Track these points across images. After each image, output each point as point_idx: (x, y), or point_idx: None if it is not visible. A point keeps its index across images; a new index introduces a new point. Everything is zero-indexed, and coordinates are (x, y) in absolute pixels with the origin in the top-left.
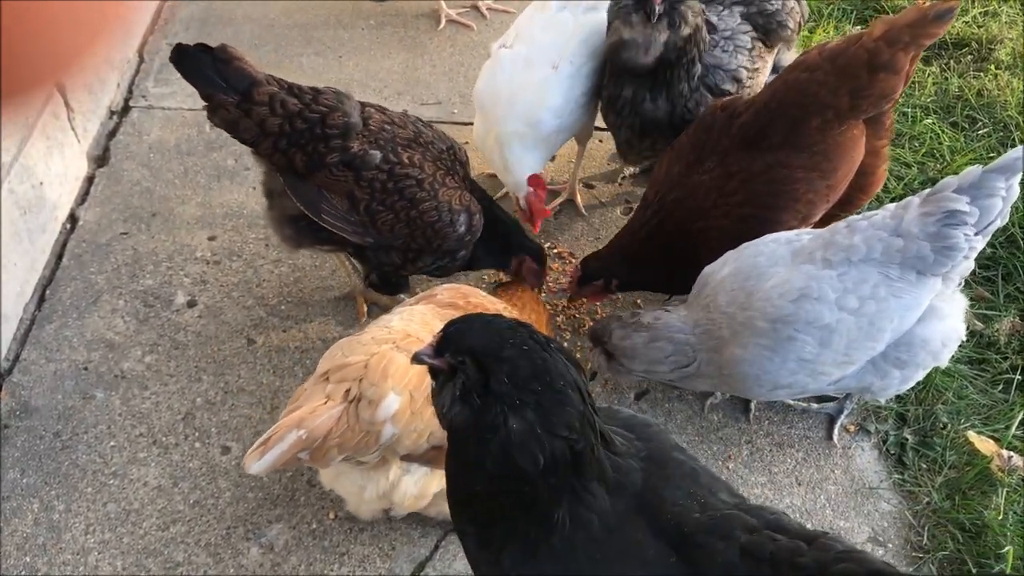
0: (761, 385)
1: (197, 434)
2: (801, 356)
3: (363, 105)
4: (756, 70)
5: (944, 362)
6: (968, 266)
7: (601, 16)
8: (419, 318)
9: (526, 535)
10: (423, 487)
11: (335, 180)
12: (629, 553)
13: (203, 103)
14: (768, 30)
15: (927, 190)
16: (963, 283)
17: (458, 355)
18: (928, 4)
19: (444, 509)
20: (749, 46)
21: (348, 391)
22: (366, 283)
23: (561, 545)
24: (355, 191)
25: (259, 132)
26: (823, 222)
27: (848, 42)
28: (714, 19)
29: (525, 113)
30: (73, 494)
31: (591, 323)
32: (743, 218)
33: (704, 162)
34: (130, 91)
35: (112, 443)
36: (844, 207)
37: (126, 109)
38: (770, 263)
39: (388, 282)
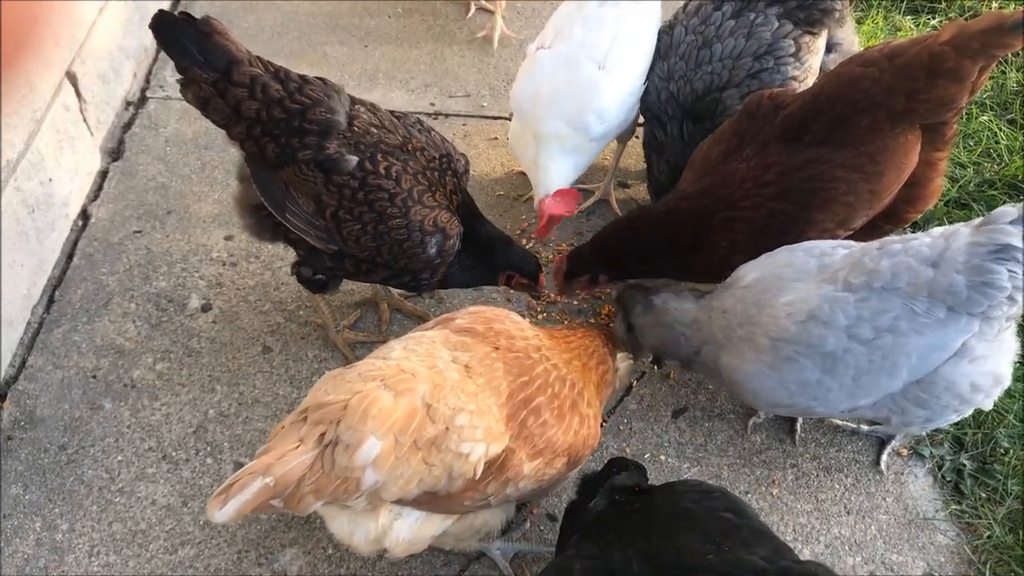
0: (759, 400)
1: (209, 449)
2: (801, 379)
3: (354, 102)
4: (808, 67)
5: (982, 405)
6: (1017, 310)
7: (646, 10)
8: (425, 348)
9: None
10: (417, 533)
11: (303, 179)
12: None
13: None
14: (812, 20)
15: (978, 219)
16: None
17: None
18: (1007, 12)
19: (461, 544)
20: (793, 50)
21: (323, 435)
22: (293, 270)
23: None
24: (323, 195)
25: (233, 115)
26: (869, 235)
27: (913, 42)
28: (742, 43)
29: (568, 114)
30: (77, 512)
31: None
32: (773, 212)
33: (743, 150)
34: (147, 81)
35: (120, 457)
36: (889, 219)
37: (143, 100)
38: (795, 276)
39: (319, 283)
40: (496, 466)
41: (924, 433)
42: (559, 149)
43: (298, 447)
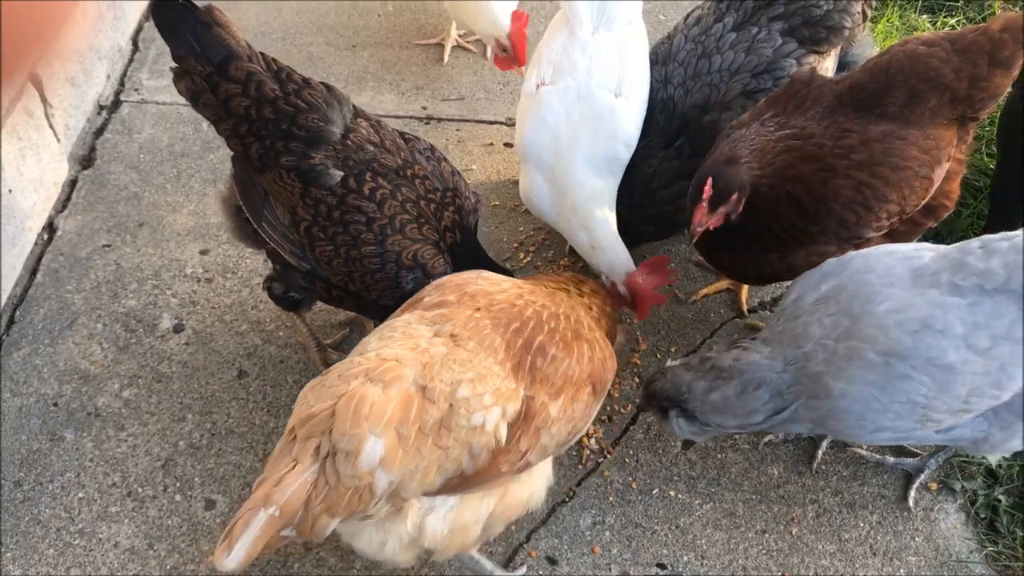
0: (863, 427)
1: (178, 484)
2: (912, 398)
3: (357, 115)
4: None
5: None
6: None
7: (639, 31)
8: (401, 332)
9: None
10: (456, 521)
11: (282, 186)
12: None
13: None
14: (818, 39)
15: None
16: None
17: None
18: None
19: (510, 522)
20: (794, 70)
21: (318, 448)
22: (264, 284)
23: None
24: (298, 207)
25: (223, 111)
26: (909, 232)
27: (965, 30)
28: (741, 56)
29: (595, 155)
30: (32, 556)
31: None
32: (860, 185)
33: (807, 112)
34: (122, 83)
35: (80, 494)
36: (928, 214)
37: (116, 104)
38: (884, 282)
39: (291, 300)
40: (521, 420)
41: (993, 461)
42: (605, 211)
43: (294, 467)
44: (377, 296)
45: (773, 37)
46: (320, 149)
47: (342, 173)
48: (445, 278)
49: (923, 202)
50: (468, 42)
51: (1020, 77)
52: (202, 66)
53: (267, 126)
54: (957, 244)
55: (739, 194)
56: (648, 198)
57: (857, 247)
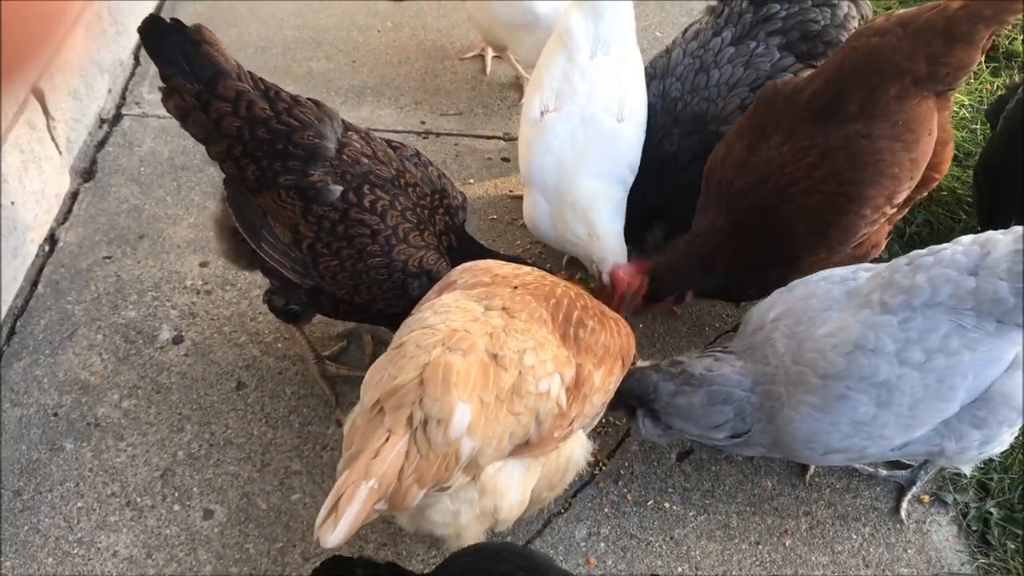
0: (812, 449)
1: (177, 494)
2: (855, 418)
3: (347, 129)
4: None
5: None
6: None
7: (635, 55)
8: (455, 307)
9: None
10: (523, 487)
11: (282, 206)
12: None
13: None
14: (815, 54)
15: (1018, 227)
16: None
17: None
18: None
19: (555, 492)
20: None
21: (410, 417)
22: (264, 297)
23: None
24: (300, 225)
25: (214, 131)
26: (902, 207)
27: (921, 9)
28: (740, 71)
29: (602, 172)
30: (31, 565)
31: None
32: (829, 197)
33: (769, 139)
34: (123, 97)
35: (80, 504)
36: (920, 188)
37: (118, 117)
38: (823, 306)
39: (291, 312)
40: (573, 386)
41: (966, 470)
42: (607, 209)
43: (388, 439)
44: (385, 305)
45: (771, 51)
46: (318, 166)
47: (341, 188)
48: (469, 264)
49: (915, 182)
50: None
51: None
52: (191, 84)
53: (262, 147)
54: (889, 263)
55: (675, 298)
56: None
57: (860, 244)
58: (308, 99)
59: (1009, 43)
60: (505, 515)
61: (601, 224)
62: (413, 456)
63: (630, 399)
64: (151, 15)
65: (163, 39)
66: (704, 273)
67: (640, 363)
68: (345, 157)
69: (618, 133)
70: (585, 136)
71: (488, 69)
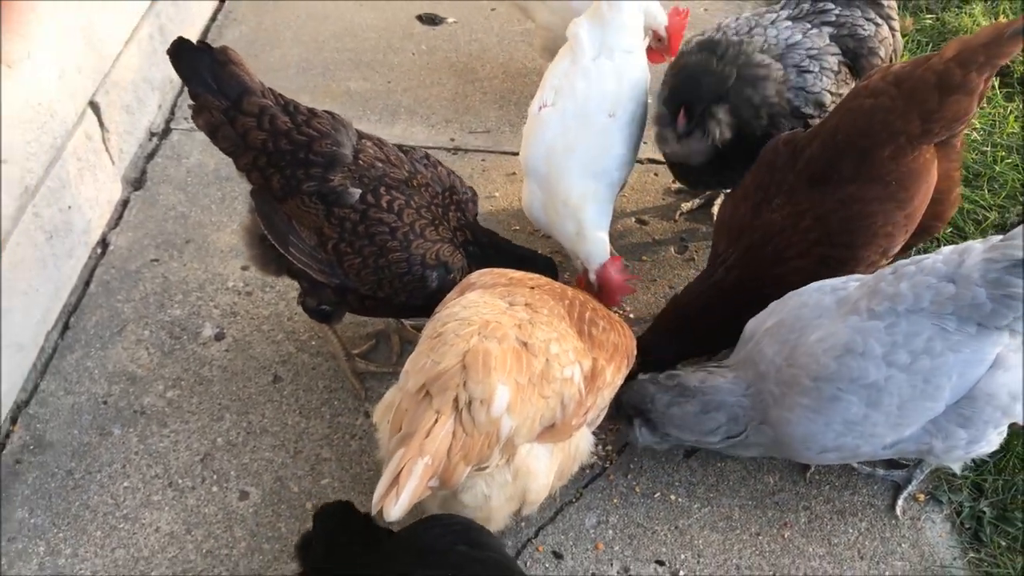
0: (808, 448)
1: (215, 477)
2: (847, 417)
3: (361, 137)
4: (840, 96)
5: (1019, 418)
6: None
7: (638, 59)
8: (483, 304)
9: None
10: (549, 468)
11: (306, 211)
12: None
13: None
14: (858, 55)
15: (994, 237)
16: None
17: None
18: (1004, 22)
19: (563, 481)
20: (835, 69)
21: (456, 399)
22: (299, 299)
23: None
24: (324, 227)
25: (241, 144)
26: (902, 255)
27: (914, 65)
28: (798, 36)
29: (588, 166)
30: (81, 537)
31: None
32: (822, 258)
33: (771, 201)
34: (172, 112)
35: (126, 483)
36: (920, 236)
37: (167, 131)
38: (815, 314)
39: (324, 313)
40: (589, 378)
41: (956, 468)
42: (596, 210)
43: (437, 420)
44: (407, 298)
45: (823, 35)
46: (337, 171)
47: (360, 190)
48: (483, 271)
49: (911, 233)
50: None
51: None
52: (219, 101)
53: (285, 157)
54: (875, 273)
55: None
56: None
57: None
58: (324, 111)
59: None
60: (533, 497)
61: (588, 223)
62: (460, 435)
63: (628, 409)
64: (179, 38)
65: (192, 60)
66: (692, 338)
67: (640, 377)
68: (361, 162)
69: (608, 128)
70: (576, 129)
71: None
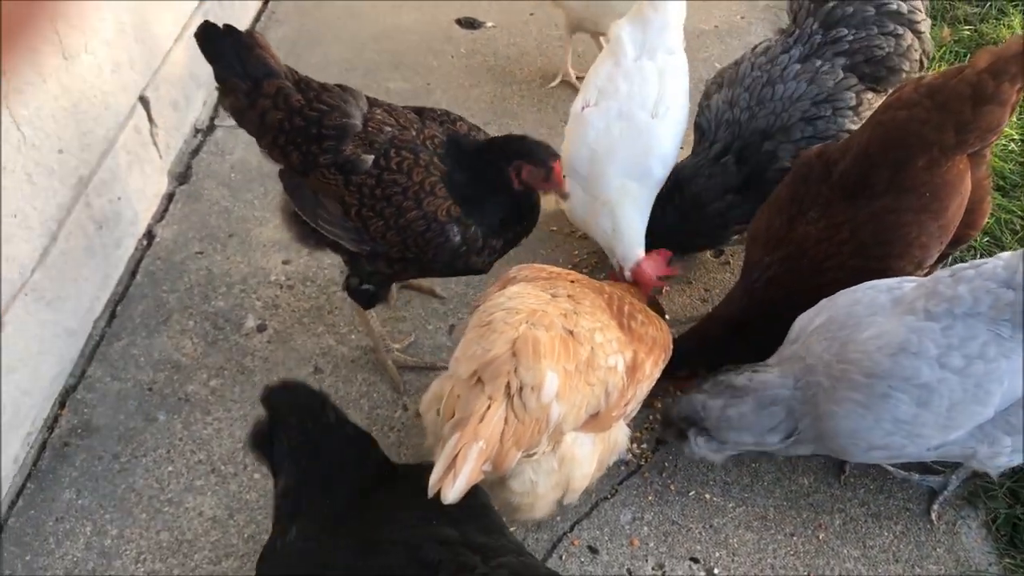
0: (856, 445)
1: (256, 464)
2: (896, 416)
3: (372, 104)
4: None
5: None
6: None
7: (679, 61)
8: (527, 295)
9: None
10: (592, 459)
11: (327, 183)
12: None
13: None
14: (877, 77)
15: None
16: None
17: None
18: None
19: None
20: (853, 103)
21: (507, 385)
22: (343, 284)
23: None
24: (345, 195)
25: (261, 126)
26: (935, 265)
27: (946, 76)
28: (803, 86)
29: (629, 166)
30: (127, 519)
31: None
32: (857, 271)
33: (806, 213)
34: (216, 110)
35: (170, 468)
36: (954, 245)
37: (211, 128)
38: (868, 312)
39: (366, 294)
40: (630, 369)
41: (994, 475)
42: (633, 208)
43: (490, 405)
44: (433, 255)
45: (835, 70)
46: (348, 141)
47: (372, 156)
48: (523, 265)
49: (945, 243)
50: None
51: None
52: (244, 84)
53: (300, 134)
54: (933, 274)
55: (689, 373)
56: (698, 210)
57: None
58: (335, 85)
59: None
60: (576, 485)
61: (624, 221)
62: (512, 420)
63: (679, 422)
64: (205, 22)
65: (218, 43)
66: (733, 346)
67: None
68: (371, 129)
69: (651, 127)
70: (619, 129)
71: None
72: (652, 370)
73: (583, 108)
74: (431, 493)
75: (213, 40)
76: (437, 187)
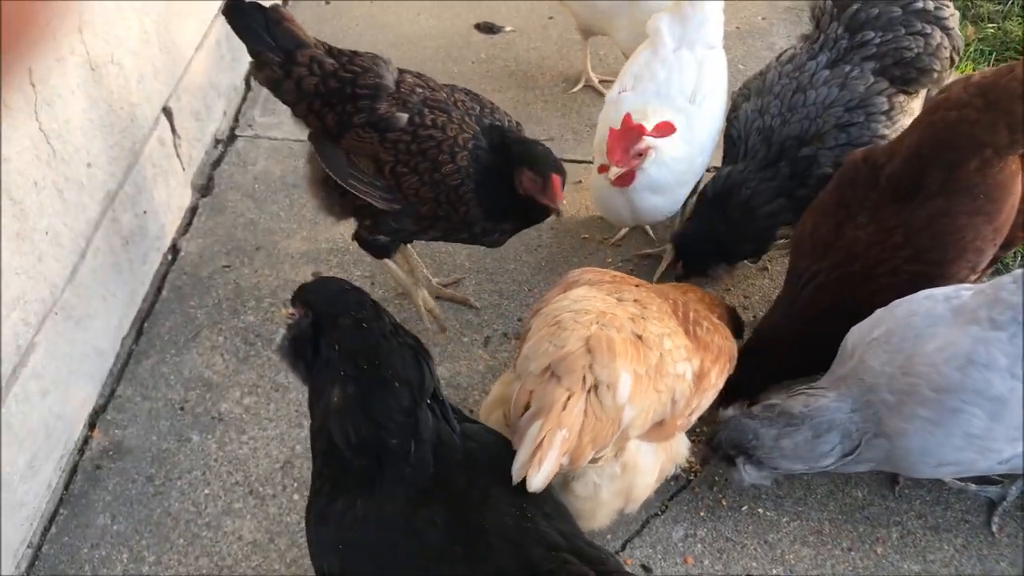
0: (925, 462)
1: (296, 485)
2: (968, 431)
3: (401, 71)
4: (898, 127)
5: None
6: None
7: (718, 54)
8: (593, 298)
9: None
10: (653, 468)
11: (362, 142)
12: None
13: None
14: (908, 79)
15: None
16: None
17: (298, 304)
18: None
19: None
20: (885, 107)
21: (584, 378)
22: (353, 236)
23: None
24: (380, 153)
25: (297, 92)
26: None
27: (997, 75)
28: (835, 92)
29: (664, 149)
30: (164, 545)
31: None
32: (913, 276)
33: (855, 219)
34: (236, 120)
35: (207, 491)
36: (1005, 248)
37: (232, 138)
38: (928, 323)
39: (378, 244)
40: (696, 378)
41: None
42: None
43: (570, 396)
44: (464, 212)
45: (865, 75)
46: (382, 100)
47: (407, 114)
48: (585, 268)
49: (999, 246)
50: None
51: None
52: (277, 56)
53: (335, 95)
54: (992, 281)
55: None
56: (749, 215)
57: None
58: (365, 52)
59: None
60: (637, 494)
61: (645, 205)
62: (590, 416)
63: (728, 449)
64: None
65: (246, 18)
66: (787, 359)
67: (723, 412)
68: (403, 90)
69: (687, 111)
70: (655, 109)
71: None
72: (717, 379)
73: (619, 93)
74: (516, 479)
75: (241, 15)
76: (469, 143)
